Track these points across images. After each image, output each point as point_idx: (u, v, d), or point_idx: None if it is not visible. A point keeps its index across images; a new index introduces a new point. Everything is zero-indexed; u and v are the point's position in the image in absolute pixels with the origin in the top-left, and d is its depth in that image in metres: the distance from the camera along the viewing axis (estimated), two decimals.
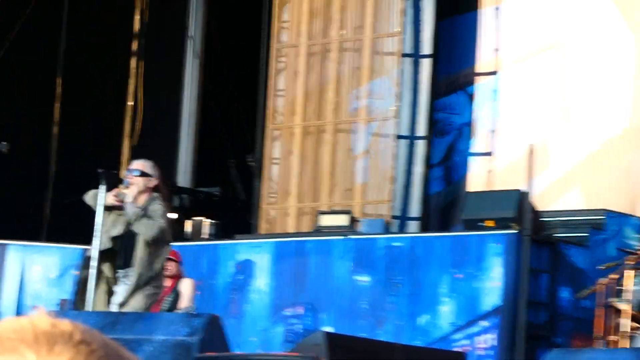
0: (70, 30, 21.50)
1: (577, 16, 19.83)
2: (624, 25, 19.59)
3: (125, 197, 13.86)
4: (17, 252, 18.73)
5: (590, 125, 19.58)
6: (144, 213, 13.82)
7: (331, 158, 20.39)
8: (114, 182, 14.39)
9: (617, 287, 15.50)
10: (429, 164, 20.64)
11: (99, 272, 14.07)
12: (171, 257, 15.36)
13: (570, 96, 19.77)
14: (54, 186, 20.83)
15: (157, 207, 13.93)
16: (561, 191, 19.25)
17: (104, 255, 14.04)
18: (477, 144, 20.57)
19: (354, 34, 20.60)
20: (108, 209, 13.93)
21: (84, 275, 14.94)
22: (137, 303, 13.84)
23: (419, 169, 20.30)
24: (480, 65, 20.64)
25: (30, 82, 21.58)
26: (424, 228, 19.69)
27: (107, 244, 14.03)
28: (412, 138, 20.33)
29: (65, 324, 1.71)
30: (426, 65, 20.53)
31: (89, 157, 19.18)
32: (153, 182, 14.13)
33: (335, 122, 20.42)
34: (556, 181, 19.25)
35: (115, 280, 14.05)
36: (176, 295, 16.04)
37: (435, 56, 20.72)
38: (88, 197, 14.17)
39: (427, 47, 20.47)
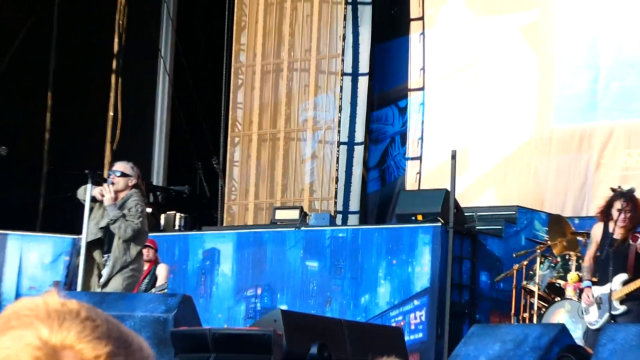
0: (58, 51, 21.37)
1: (489, 41, 19.82)
2: (529, 49, 19.55)
3: (106, 198, 13.75)
4: (16, 240, 18.52)
5: (502, 134, 19.57)
6: (122, 207, 13.69)
7: (283, 161, 20.26)
8: (99, 181, 14.22)
9: (528, 272, 15.43)
10: (366, 167, 20.67)
11: (92, 258, 13.97)
12: (149, 244, 15.31)
13: (485, 109, 19.73)
14: (47, 184, 20.73)
15: (133, 202, 13.72)
16: (479, 190, 19.23)
17: (95, 244, 13.93)
18: (408, 150, 20.44)
19: (302, 55, 20.39)
20: (98, 202, 13.87)
21: (77, 261, 15.02)
22: (116, 284, 13.71)
23: (357, 171, 20.31)
24: (409, 82, 20.47)
25: (25, 95, 21.47)
26: (363, 221, 19.73)
27: (98, 234, 13.81)
28: (351, 144, 20.30)
29: (72, 303, 1.80)
30: (363, 83, 20.51)
31: (76, 159, 19.08)
32: (132, 180, 13.96)
33: (287, 131, 20.27)
34: (475, 182, 19.22)
35: (103, 265, 13.81)
36: (153, 277, 16.08)
37: (371, 75, 20.66)
38: (79, 192, 14.09)
39: (364, 67, 20.43)
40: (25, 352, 1.74)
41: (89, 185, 13.90)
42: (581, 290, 13.42)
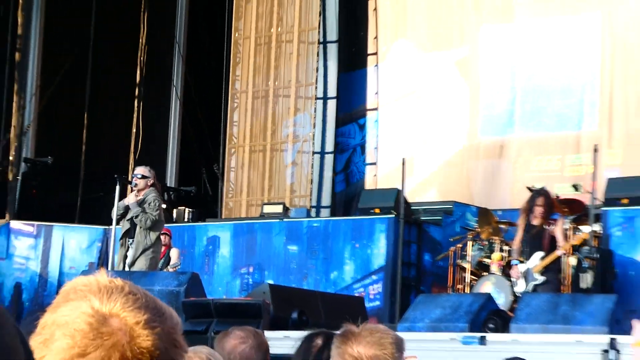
0: (92, 82, 21.23)
1: (430, 71, 19.84)
2: (461, 77, 19.56)
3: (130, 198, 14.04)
4: (59, 230, 18.53)
5: (440, 144, 19.56)
6: (143, 202, 13.79)
7: (270, 167, 20.26)
8: (124, 182, 14.51)
9: (462, 253, 15.41)
10: (334, 171, 20.47)
11: (122, 243, 14.06)
12: (165, 232, 15.13)
13: (427, 125, 19.71)
14: (83, 186, 20.55)
15: (151, 196, 13.81)
16: (423, 189, 19.21)
17: (125, 232, 13.98)
18: (366, 157, 20.40)
19: (285, 84, 20.34)
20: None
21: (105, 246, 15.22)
22: (141, 264, 13.72)
23: (328, 174, 20.23)
24: (367, 104, 20.40)
25: (66, 116, 21.42)
26: (332, 214, 19.59)
27: (127, 226, 13.88)
28: (323, 154, 20.22)
29: (118, 280, 1.87)
30: (332, 105, 20.42)
31: (106, 166, 18.94)
32: (150, 181, 14.03)
33: (272, 143, 20.25)
34: (420, 182, 19.20)
35: (128, 248, 13.86)
36: (167, 258, 15.88)
37: (338, 98, 20.47)
38: (113, 210, 14.16)
39: (332, 92, 20.32)
40: (80, 319, 1.80)
41: (117, 189, 14.11)
42: (510, 268, 13.64)
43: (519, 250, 13.49)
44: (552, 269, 13.38)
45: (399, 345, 3.55)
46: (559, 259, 13.45)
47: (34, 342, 1.81)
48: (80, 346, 1.79)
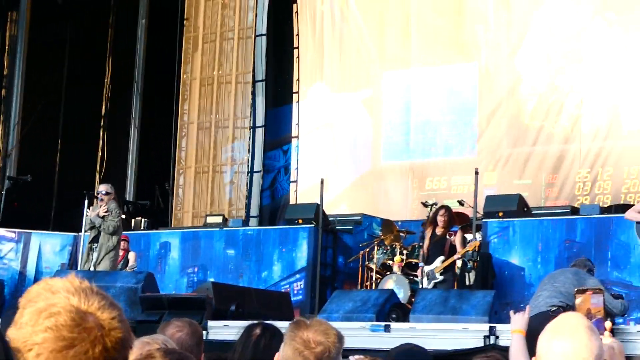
0: (65, 115, 21.03)
1: (341, 108, 19.83)
2: (366, 113, 19.60)
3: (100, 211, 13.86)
4: (37, 236, 18.23)
5: (350, 168, 19.60)
6: (107, 212, 13.76)
7: (212, 185, 20.05)
8: (91, 197, 14.63)
9: (369, 256, 15.30)
10: (262, 188, 20.46)
11: (88, 248, 13.94)
12: (124, 238, 15.04)
13: (339, 151, 19.67)
14: (56, 200, 20.35)
15: (113, 205, 13.85)
16: (337, 203, 19.10)
17: (92, 239, 13.91)
18: (290, 177, 20.38)
19: (224, 117, 20.20)
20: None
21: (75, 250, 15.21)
22: (104, 264, 13.58)
23: (257, 190, 20.07)
24: (290, 133, 20.34)
25: (43, 142, 21.15)
26: (260, 223, 19.42)
27: (94, 234, 13.83)
28: (253, 173, 20.03)
29: (85, 282, 1.86)
30: (261, 134, 20.24)
31: (76, 183, 18.53)
32: (112, 196, 13.98)
33: (214, 165, 20.06)
34: (334, 198, 19.07)
35: (93, 250, 13.78)
36: (126, 260, 15.75)
37: (266, 128, 20.34)
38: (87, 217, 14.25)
39: (260, 123, 20.09)
40: (65, 315, 1.78)
41: (86, 202, 14.28)
42: (413, 268, 13.94)
43: (424, 256, 13.62)
44: (450, 270, 13.59)
45: (340, 337, 3.55)
46: (454, 262, 13.62)
47: (17, 334, 1.79)
48: (67, 339, 1.76)
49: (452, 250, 13.55)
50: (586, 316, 4.02)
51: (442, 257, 13.40)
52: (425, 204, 14.92)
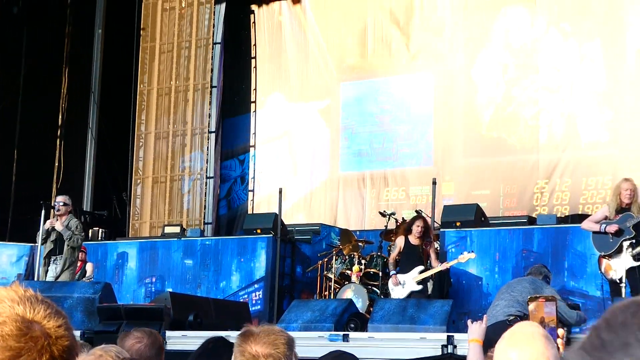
0: (22, 124, 20.94)
1: (299, 118, 19.85)
2: (324, 123, 19.67)
3: (57, 225, 13.85)
4: None
5: (307, 177, 19.68)
6: (68, 227, 13.69)
7: (170, 195, 19.93)
8: (48, 208, 14.33)
9: (327, 265, 15.29)
10: (218, 198, 20.35)
11: (46, 258, 13.95)
12: (82, 250, 14.97)
13: (296, 161, 19.75)
14: (13, 210, 20.20)
15: (74, 222, 13.83)
16: (295, 213, 19.15)
17: (48, 252, 13.91)
18: (247, 186, 20.42)
19: (182, 127, 20.11)
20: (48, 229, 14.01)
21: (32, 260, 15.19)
22: (65, 276, 13.70)
23: (212, 199, 20.05)
24: (248, 142, 20.38)
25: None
26: (216, 233, 19.35)
27: (50, 246, 13.82)
28: (208, 179, 20.02)
29: (30, 291, 1.86)
30: (216, 141, 20.23)
31: (33, 193, 18.34)
32: (69, 208, 14.06)
33: (171, 175, 19.95)
34: (291, 207, 19.17)
35: (49, 263, 13.76)
36: (84, 270, 15.73)
37: (222, 137, 20.41)
38: (38, 235, 14.19)
39: (217, 132, 20.08)
40: (10, 325, 1.77)
41: (43, 213, 14.09)
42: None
43: (394, 264, 13.59)
44: (426, 280, 13.51)
45: (290, 344, 3.52)
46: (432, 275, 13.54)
47: None
48: (14, 349, 1.75)
49: (427, 260, 13.43)
50: (540, 325, 4.06)
51: (421, 267, 13.22)
52: (383, 214, 14.97)
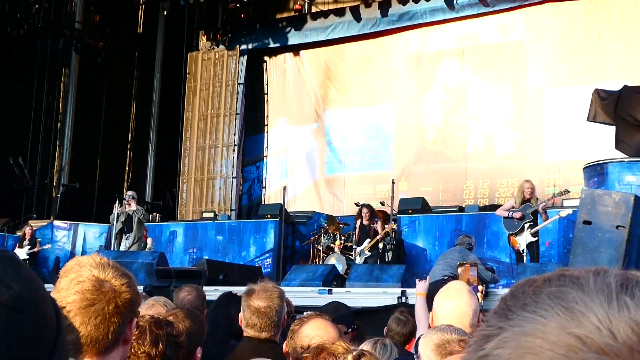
0: (104, 139, 20.87)
1: (297, 137, 19.76)
2: (314, 141, 19.58)
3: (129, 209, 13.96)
4: (82, 227, 18.29)
5: (303, 178, 19.57)
6: (136, 211, 13.88)
7: (206, 190, 19.72)
8: (121, 199, 14.18)
9: (318, 241, 15.32)
10: (241, 192, 20.14)
11: (118, 234, 13.90)
12: (145, 229, 15.03)
13: (295, 166, 19.66)
14: (97, 201, 20.14)
15: (141, 208, 14.20)
16: (294, 204, 19.05)
17: (119, 230, 13.82)
18: (261, 185, 20.25)
19: (215, 142, 19.94)
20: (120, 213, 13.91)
21: (110, 236, 15.04)
22: (135, 247, 13.83)
23: (235, 194, 19.80)
24: (262, 154, 20.31)
25: (88, 160, 20.90)
26: (239, 217, 18.99)
27: (119, 226, 13.71)
28: (237, 181, 19.75)
29: (105, 258, 1.87)
30: (239, 152, 19.95)
31: (110, 190, 18.21)
32: (135, 200, 14.15)
33: (207, 176, 19.82)
34: (293, 199, 19.10)
35: (122, 238, 13.69)
36: (145, 244, 15.65)
37: (244, 151, 20.21)
38: (111, 217, 14.21)
39: (240, 146, 19.92)
40: (88, 282, 1.79)
41: (117, 202, 14.03)
42: (349, 249, 13.84)
43: (356, 240, 13.59)
44: (375, 249, 13.51)
45: (281, 296, 3.48)
46: (377, 242, 13.52)
47: (56, 295, 1.77)
48: (89, 300, 1.78)
49: (375, 235, 13.51)
50: (466, 283, 4.07)
51: (368, 239, 13.35)
52: (356, 204, 14.92)
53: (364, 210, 13.55)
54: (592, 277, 0.62)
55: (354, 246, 13.58)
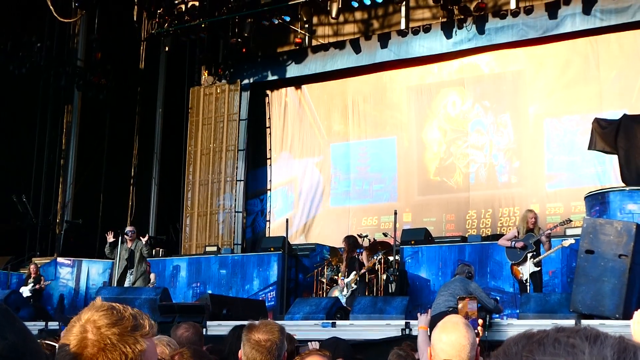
0: (106, 176, 20.93)
1: (301, 169, 19.79)
2: (318, 173, 19.54)
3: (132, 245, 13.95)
4: (86, 263, 18.22)
5: (307, 210, 19.55)
6: (137, 246, 13.81)
7: (209, 224, 19.66)
8: (123, 234, 14.13)
9: (321, 273, 15.20)
10: (245, 226, 20.07)
11: (123, 272, 13.85)
12: (147, 264, 14.71)
13: (298, 199, 19.63)
14: (100, 237, 20.12)
15: (142, 242, 13.91)
16: (299, 236, 19.08)
17: (125, 267, 13.85)
18: (265, 217, 20.22)
19: (217, 176, 19.97)
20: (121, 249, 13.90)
21: (113, 273, 14.94)
22: (139, 282, 13.75)
23: (239, 227, 19.74)
24: (265, 187, 20.27)
25: (89, 196, 20.90)
26: (243, 250, 18.98)
27: (124, 263, 13.71)
28: (237, 213, 19.72)
29: (99, 300, 1.83)
30: (242, 186, 19.90)
31: (114, 225, 18.22)
32: (135, 234, 14.05)
33: (210, 210, 19.77)
34: (296, 232, 19.08)
35: (126, 275, 13.76)
36: (148, 279, 15.46)
37: (248, 184, 20.20)
38: (106, 248, 14.18)
39: (242, 177, 19.85)
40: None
41: (121, 238, 14.05)
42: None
43: (344, 272, 13.62)
44: (361, 281, 13.53)
45: (282, 331, 3.51)
46: (364, 274, 13.54)
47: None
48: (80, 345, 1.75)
49: (361, 266, 13.54)
50: (464, 317, 4.08)
51: (354, 272, 13.36)
52: (360, 236, 14.92)
53: (344, 242, 13.79)
54: (588, 346, 0.60)
55: (342, 278, 13.60)
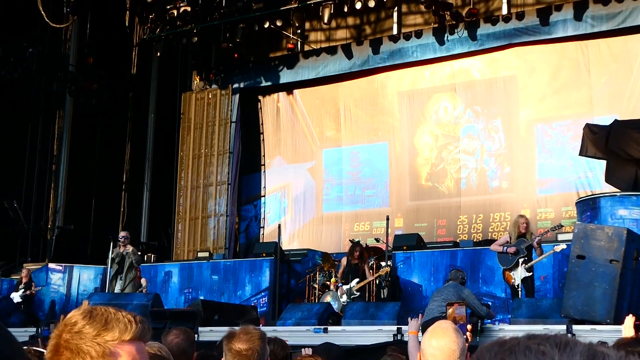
0: (99, 183, 20.89)
1: (295, 174, 19.76)
2: (311, 178, 19.53)
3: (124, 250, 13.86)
4: (77, 268, 18.12)
5: (300, 216, 19.52)
6: (129, 253, 13.72)
7: (201, 229, 19.57)
8: (115, 239, 14.08)
9: (313, 279, 15.14)
10: (238, 231, 20.07)
11: (114, 277, 13.84)
12: (138, 270, 14.76)
13: (292, 204, 19.64)
14: (91, 243, 20.07)
15: (133, 250, 13.89)
16: (291, 241, 19.06)
17: (115, 272, 13.75)
18: (259, 223, 20.20)
19: (208, 181, 19.92)
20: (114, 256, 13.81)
21: (105, 278, 14.90)
22: (129, 289, 13.71)
23: (230, 233, 19.68)
24: (259, 192, 20.26)
25: (80, 206, 20.87)
26: (236, 256, 18.80)
27: (115, 267, 13.67)
28: (232, 220, 19.71)
29: (85, 304, 1.77)
30: (232, 190, 19.84)
31: (105, 230, 18.15)
32: (128, 240, 13.98)
33: (202, 216, 19.68)
34: (289, 237, 19.09)
35: (117, 280, 13.64)
36: (140, 284, 15.41)
37: (242, 190, 20.18)
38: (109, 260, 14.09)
39: (234, 185, 19.84)
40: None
41: (112, 244, 13.97)
42: (336, 287, 13.55)
43: (341, 278, 13.48)
44: (363, 289, 13.38)
45: (263, 338, 3.46)
46: (367, 283, 13.43)
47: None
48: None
49: (364, 274, 13.37)
50: (453, 322, 4.09)
51: (357, 279, 13.19)
52: (352, 241, 14.91)
53: (357, 249, 13.47)
54: (557, 354, 0.61)
55: (340, 284, 13.40)
